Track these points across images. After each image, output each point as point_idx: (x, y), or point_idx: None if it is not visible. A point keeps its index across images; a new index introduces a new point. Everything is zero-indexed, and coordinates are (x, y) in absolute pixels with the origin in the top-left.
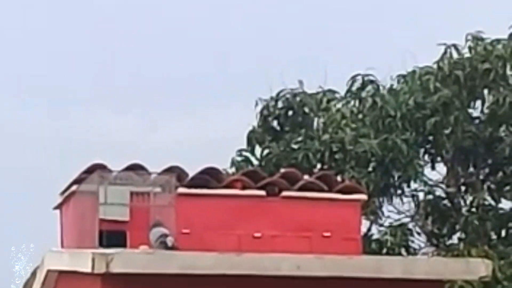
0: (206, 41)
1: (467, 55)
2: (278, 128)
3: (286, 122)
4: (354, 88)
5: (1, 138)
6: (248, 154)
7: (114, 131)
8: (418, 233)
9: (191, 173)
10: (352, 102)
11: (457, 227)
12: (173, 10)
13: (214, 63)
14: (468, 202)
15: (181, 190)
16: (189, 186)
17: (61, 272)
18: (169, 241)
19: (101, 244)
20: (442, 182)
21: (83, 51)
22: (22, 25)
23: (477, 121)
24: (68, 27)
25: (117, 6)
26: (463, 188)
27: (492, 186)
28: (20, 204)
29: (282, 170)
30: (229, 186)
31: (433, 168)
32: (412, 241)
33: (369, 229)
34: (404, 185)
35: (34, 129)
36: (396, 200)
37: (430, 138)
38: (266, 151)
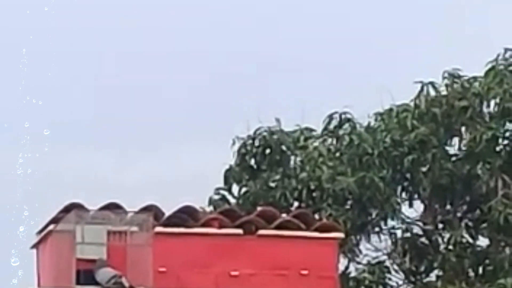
0: (181, 79)
1: (444, 92)
2: (255, 166)
3: (264, 161)
4: (331, 126)
5: None
6: (225, 193)
7: (88, 168)
8: (396, 271)
9: (168, 212)
10: (330, 140)
11: (435, 264)
12: (149, 42)
13: (189, 100)
14: (445, 239)
15: (158, 229)
16: (166, 225)
17: None
18: (125, 281)
19: (78, 283)
20: (419, 220)
21: (59, 86)
22: None
23: (454, 158)
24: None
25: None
26: (440, 225)
27: (470, 223)
28: None
29: (259, 209)
30: (206, 224)
31: (410, 205)
32: (390, 279)
33: (346, 267)
34: (382, 223)
35: (8, 167)
36: (373, 238)
37: (408, 175)
38: (243, 190)
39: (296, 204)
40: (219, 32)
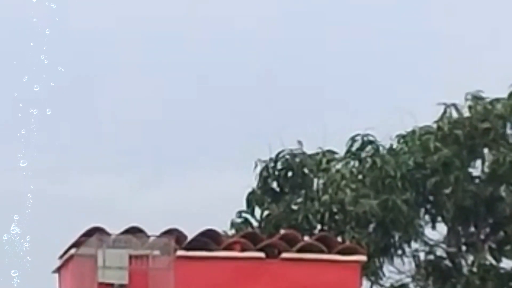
0: (202, 102)
1: (467, 114)
2: (277, 189)
3: (286, 183)
4: (353, 149)
5: None
6: (248, 216)
7: (109, 192)
8: None
9: (190, 236)
10: (352, 163)
11: (458, 287)
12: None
13: (210, 123)
14: (469, 262)
15: (180, 252)
16: (188, 248)
17: None
18: None
19: None
20: (443, 242)
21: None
22: None
23: (477, 180)
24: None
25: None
26: (464, 247)
27: (493, 245)
28: (18, 267)
29: (282, 232)
30: (228, 248)
31: (433, 228)
32: None
33: None
34: (405, 245)
35: (24, 193)
36: (397, 261)
37: (431, 198)
38: (266, 213)
39: (318, 227)
40: (239, 55)
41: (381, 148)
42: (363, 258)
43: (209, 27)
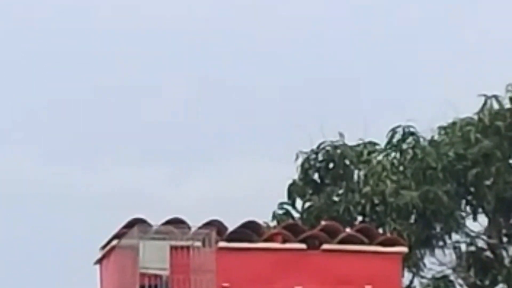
0: (245, 95)
1: (508, 105)
2: (319, 180)
3: (327, 175)
4: (394, 140)
5: (34, 197)
6: (289, 207)
7: (150, 183)
8: (461, 285)
9: (231, 227)
10: (393, 154)
11: (499, 278)
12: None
13: (253, 114)
14: (510, 253)
15: (222, 244)
16: (229, 240)
17: None
18: None
19: None
20: (484, 233)
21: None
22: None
23: None
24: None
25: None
26: (505, 239)
27: None
28: (60, 260)
29: (323, 223)
30: (269, 239)
31: (474, 219)
32: None
33: (411, 282)
34: (446, 237)
35: (65, 187)
36: (438, 252)
37: (472, 189)
38: (307, 204)
39: (359, 218)
40: (283, 48)
41: (422, 140)
42: (404, 249)
43: (262, 21)
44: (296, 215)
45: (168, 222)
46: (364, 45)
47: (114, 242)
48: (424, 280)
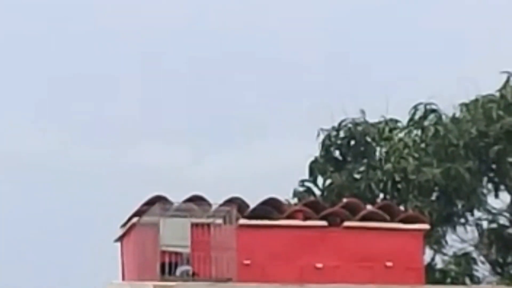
0: (265, 72)
1: None
2: (340, 158)
3: (348, 152)
4: (416, 117)
5: (59, 174)
6: (310, 184)
7: (171, 161)
8: (482, 262)
9: (252, 204)
10: (415, 131)
11: None
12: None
13: (274, 92)
14: None
15: (243, 221)
16: (250, 217)
17: None
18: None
19: (163, 275)
20: (506, 211)
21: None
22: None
23: None
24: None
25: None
26: None
27: None
28: (81, 237)
29: (344, 200)
30: (290, 216)
31: (496, 196)
32: (476, 270)
33: (432, 259)
34: (468, 214)
35: (86, 165)
36: (459, 229)
37: (493, 166)
38: (328, 181)
39: (381, 195)
40: (307, 32)
41: (443, 117)
42: (426, 226)
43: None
44: (317, 192)
45: (189, 200)
46: (387, 22)
47: (135, 219)
48: (445, 257)
